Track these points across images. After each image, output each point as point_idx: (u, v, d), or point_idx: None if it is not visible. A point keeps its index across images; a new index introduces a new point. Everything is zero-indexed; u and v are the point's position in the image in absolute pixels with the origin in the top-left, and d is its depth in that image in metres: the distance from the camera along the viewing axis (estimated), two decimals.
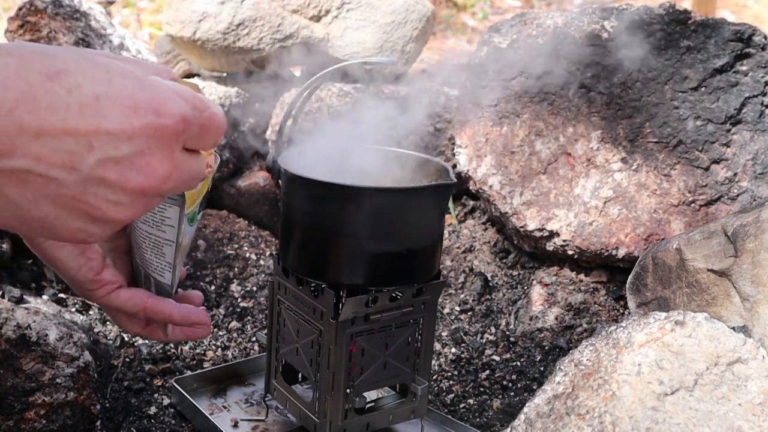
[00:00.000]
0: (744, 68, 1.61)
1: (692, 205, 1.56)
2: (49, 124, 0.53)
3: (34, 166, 0.54)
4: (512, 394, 1.40)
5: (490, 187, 1.67)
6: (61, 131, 0.53)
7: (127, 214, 0.59)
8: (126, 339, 1.44)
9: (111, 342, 1.41)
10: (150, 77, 0.58)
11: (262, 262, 1.72)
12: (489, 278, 1.70)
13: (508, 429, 0.98)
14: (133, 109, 0.56)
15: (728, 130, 1.58)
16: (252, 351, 1.46)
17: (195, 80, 2.23)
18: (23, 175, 0.54)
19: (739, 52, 1.61)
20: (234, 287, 1.64)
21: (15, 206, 0.55)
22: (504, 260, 1.76)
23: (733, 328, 1.05)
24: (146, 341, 1.43)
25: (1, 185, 0.54)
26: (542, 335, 1.51)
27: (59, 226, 0.58)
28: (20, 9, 1.77)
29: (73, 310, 1.47)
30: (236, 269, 1.69)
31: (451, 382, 1.42)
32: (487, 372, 1.45)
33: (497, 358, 1.48)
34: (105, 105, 0.54)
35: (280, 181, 1.10)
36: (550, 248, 1.62)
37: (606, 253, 1.56)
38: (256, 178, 1.97)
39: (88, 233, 0.59)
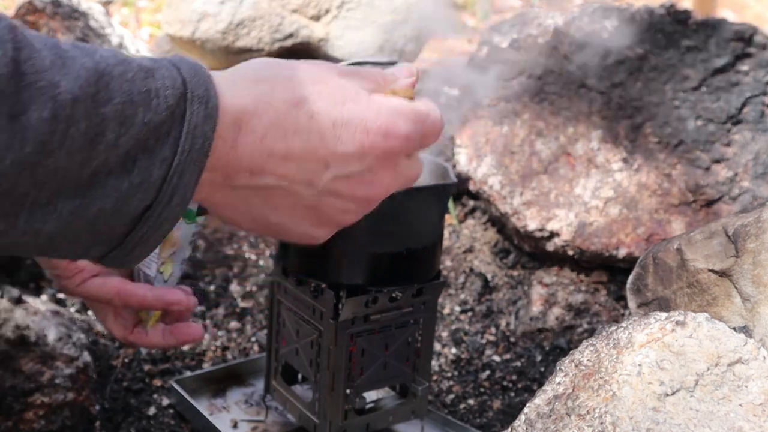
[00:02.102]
0: (745, 68, 1.60)
1: (693, 205, 1.56)
2: (294, 149, 0.61)
3: (279, 183, 0.63)
4: (512, 394, 1.39)
5: (490, 187, 1.66)
6: (304, 154, 0.62)
7: (353, 218, 0.69)
8: None
9: (110, 342, 1.41)
10: (372, 97, 0.66)
11: (261, 263, 1.72)
12: (489, 278, 1.70)
13: (509, 429, 0.98)
14: (365, 133, 0.64)
15: (729, 130, 1.58)
16: (252, 351, 1.46)
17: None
18: (269, 190, 0.63)
19: (740, 52, 1.61)
20: (233, 287, 1.63)
21: (257, 213, 0.65)
22: (504, 260, 1.75)
23: (734, 329, 1.05)
24: None
25: (249, 196, 0.63)
26: (542, 335, 1.51)
27: (291, 229, 0.67)
28: (19, 8, 1.77)
29: (73, 310, 1.47)
30: (236, 269, 1.69)
31: (451, 382, 1.42)
32: (488, 372, 1.44)
33: (497, 359, 1.48)
34: (340, 130, 0.63)
35: None
36: (551, 248, 1.61)
37: (607, 254, 1.56)
38: None
39: (314, 235, 0.69)
